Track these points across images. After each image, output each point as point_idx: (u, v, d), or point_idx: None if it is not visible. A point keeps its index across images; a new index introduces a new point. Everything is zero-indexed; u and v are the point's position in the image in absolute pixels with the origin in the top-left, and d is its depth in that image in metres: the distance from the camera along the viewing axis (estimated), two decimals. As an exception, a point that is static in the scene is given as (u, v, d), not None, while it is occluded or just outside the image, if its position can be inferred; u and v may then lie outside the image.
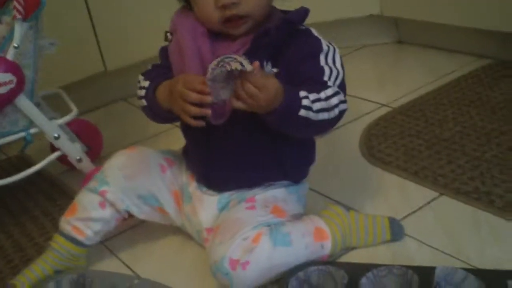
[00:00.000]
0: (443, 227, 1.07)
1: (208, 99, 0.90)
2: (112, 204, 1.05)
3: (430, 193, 1.17)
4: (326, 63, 0.97)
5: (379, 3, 1.89)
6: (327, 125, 0.96)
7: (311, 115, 0.92)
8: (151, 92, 1.01)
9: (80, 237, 1.05)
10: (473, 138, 1.32)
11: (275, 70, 0.95)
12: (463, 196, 1.13)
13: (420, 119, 1.45)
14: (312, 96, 0.92)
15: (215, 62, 0.88)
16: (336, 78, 0.98)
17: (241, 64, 0.86)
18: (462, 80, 1.62)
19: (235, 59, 0.87)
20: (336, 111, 0.95)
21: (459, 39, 1.82)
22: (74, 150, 1.26)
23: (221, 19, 0.95)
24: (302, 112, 0.91)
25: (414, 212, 1.12)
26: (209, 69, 0.89)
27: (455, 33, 1.81)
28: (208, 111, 0.92)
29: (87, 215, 1.04)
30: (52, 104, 1.39)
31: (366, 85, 1.70)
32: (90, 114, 1.78)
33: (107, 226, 1.06)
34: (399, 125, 1.44)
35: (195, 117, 0.95)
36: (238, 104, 0.89)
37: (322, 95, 0.93)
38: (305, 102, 0.91)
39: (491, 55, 1.74)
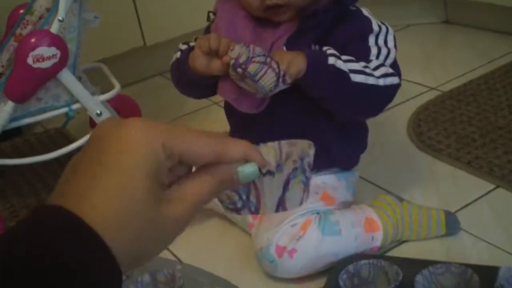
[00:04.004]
0: (500, 222, 1.02)
1: (227, 58, 0.86)
2: None
3: (485, 185, 1.11)
4: (376, 43, 0.93)
5: (428, -20, 1.82)
6: (371, 97, 0.91)
7: (340, 64, 0.87)
8: (186, 53, 0.97)
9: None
10: (531, 127, 1.26)
11: None
12: (521, 190, 1.08)
13: (472, 104, 1.39)
14: (344, 57, 0.89)
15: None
16: (386, 57, 0.93)
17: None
18: (515, 65, 1.55)
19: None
20: (380, 81, 0.90)
21: (509, 20, 1.74)
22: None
23: (261, 7, 0.91)
24: (331, 60, 0.87)
25: (468, 204, 1.07)
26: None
27: (506, 14, 1.72)
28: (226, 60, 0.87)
29: None
30: (90, 78, 1.36)
31: (412, 67, 1.64)
32: (128, 88, 1.75)
33: None
34: (449, 111, 1.38)
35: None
36: None
37: (360, 64, 0.90)
38: (330, 51, 0.89)
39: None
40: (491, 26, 1.79)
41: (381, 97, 0.93)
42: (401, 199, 1.04)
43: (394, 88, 0.93)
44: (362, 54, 0.92)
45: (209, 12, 1.00)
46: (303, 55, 0.87)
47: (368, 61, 0.92)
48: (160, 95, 1.72)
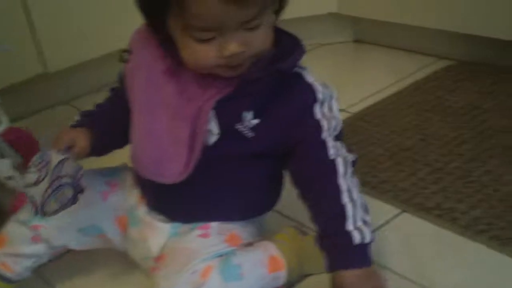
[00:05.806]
0: (404, 249, 1.01)
1: None
2: (46, 240, 0.94)
3: (390, 210, 1.10)
4: (323, 114, 0.85)
5: (336, 1, 1.82)
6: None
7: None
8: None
9: (7, 274, 0.93)
10: (435, 147, 1.27)
11: (255, 121, 0.84)
12: (425, 213, 1.07)
13: (381, 126, 1.39)
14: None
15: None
16: (335, 129, 0.86)
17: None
18: (422, 83, 1.57)
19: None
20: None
21: (418, 39, 1.77)
22: (2, 167, 1.14)
23: (221, 66, 0.79)
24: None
25: (373, 231, 1.05)
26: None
27: (414, 33, 1.76)
28: None
29: (17, 251, 0.93)
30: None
31: (323, 88, 1.63)
32: (30, 118, 1.66)
33: (39, 261, 0.96)
34: (358, 133, 1.37)
35: None
36: None
37: (343, 185, 0.85)
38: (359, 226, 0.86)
39: (452, 56, 1.70)
40: (399, 44, 1.82)
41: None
42: (305, 232, 1.01)
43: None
44: (311, 133, 0.84)
45: (123, 51, 0.87)
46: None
47: (320, 141, 0.84)
48: (65, 125, 1.64)
